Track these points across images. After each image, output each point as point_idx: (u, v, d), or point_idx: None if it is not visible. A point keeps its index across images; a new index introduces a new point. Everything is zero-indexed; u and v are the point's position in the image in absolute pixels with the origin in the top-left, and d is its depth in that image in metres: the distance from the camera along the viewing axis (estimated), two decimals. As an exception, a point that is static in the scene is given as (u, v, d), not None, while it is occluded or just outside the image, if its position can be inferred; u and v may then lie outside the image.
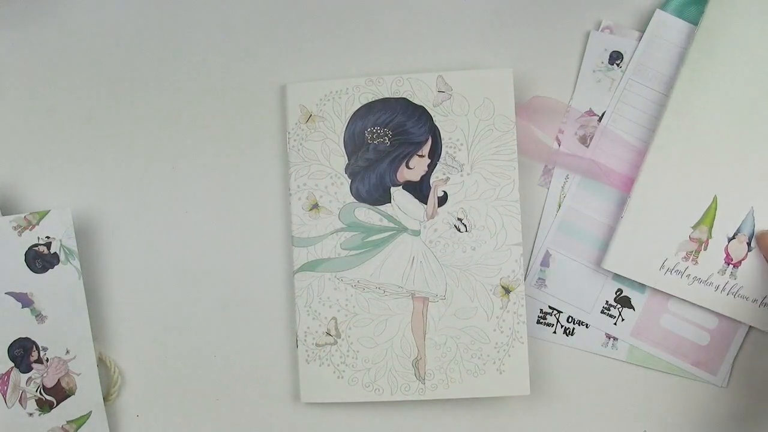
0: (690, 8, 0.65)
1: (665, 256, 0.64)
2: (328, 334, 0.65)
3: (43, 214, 0.62)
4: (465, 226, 0.65)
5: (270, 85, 0.67)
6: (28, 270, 0.62)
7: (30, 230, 0.62)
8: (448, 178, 0.65)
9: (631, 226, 0.64)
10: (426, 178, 0.65)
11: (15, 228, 0.62)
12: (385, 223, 0.65)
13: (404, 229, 0.65)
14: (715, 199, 0.64)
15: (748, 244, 0.64)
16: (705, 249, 0.64)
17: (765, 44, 0.63)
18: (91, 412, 0.63)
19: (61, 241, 0.62)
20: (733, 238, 0.64)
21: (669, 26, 0.65)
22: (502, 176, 0.64)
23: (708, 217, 0.64)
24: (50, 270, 0.62)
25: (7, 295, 0.62)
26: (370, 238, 0.65)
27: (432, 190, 0.65)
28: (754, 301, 0.64)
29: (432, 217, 0.65)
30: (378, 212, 0.65)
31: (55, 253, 0.62)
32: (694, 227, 0.64)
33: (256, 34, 0.67)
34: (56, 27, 0.67)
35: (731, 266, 0.64)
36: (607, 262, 0.64)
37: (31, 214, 0.62)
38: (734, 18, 0.63)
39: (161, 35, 0.67)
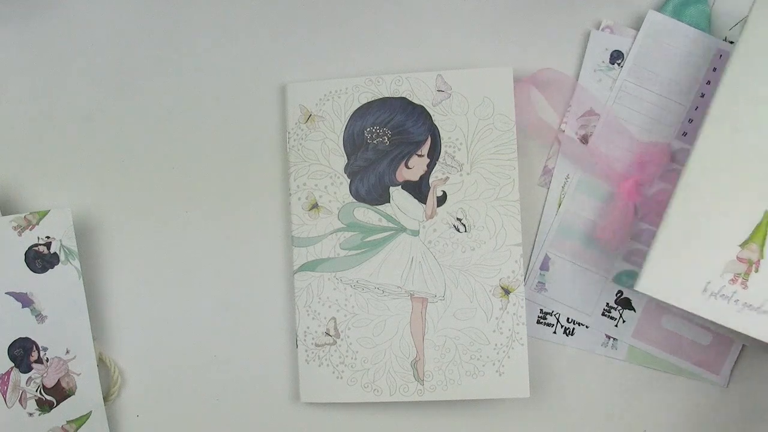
0: (688, 9, 0.65)
1: (708, 278, 0.57)
2: (328, 334, 0.65)
3: (43, 214, 0.62)
4: (464, 226, 0.64)
5: (270, 85, 0.67)
6: (28, 270, 0.62)
7: (30, 230, 0.62)
8: (447, 178, 0.65)
9: (668, 243, 0.57)
10: (425, 177, 0.65)
11: (15, 228, 0.62)
12: (384, 223, 0.65)
13: (403, 229, 0.65)
14: (766, 215, 0.57)
15: None
16: (756, 271, 0.56)
17: None
18: (91, 412, 0.63)
19: (61, 241, 0.62)
20: None
21: (663, 27, 0.65)
22: (502, 176, 0.64)
23: (759, 234, 0.56)
24: (50, 270, 0.62)
25: (7, 295, 0.62)
26: (369, 238, 0.65)
27: (431, 189, 0.65)
28: None
29: (431, 217, 0.65)
30: (377, 212, 0.65)
31: (55, 253, 0.62)
32: (743, 246, 0.57)
33: (256, 34, 0.67)
34: (56, 26, 0.67)
35: None
36: (641, 284, 0.57)
37: (31, 214, 0.62)
38: None
39: (161, 35, 0.67)
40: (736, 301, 0.56)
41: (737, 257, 0.57)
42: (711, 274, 0.57)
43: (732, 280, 0.57)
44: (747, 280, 0.56)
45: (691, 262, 0.57)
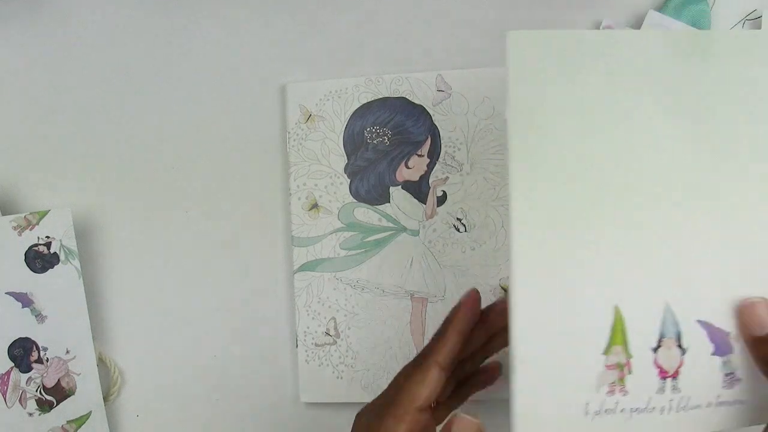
0: (688, 9, 0.65)
1: (586, 399, 0.49)
2: (327, 334, 0.65)
3: (43, 214, 0.62)
4: (464, 226, 0.64)
5: (270, 85, 0.67)
6: (28, 270, 0.62)
7: (30, 230, 0.62)
8: (447, 178, 0.65)
9: (528, 379, 0.48)
10: (425, 177, 0.65)
11: (15, 228, 0.62)
12: (384, 223, 0.65)
13: (403, 229, 0.65)
14: (617, 311, 0.49)
15: (680, 346, 0.50)
16: (630, 372, 0.49)
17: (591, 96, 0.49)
18: (91, 412, 0.63)
19: (61, 241, 0.62)
20: (659, 346, 0.50)
21: (663, 27, 0.65)
22: (502, 176, 0.64)
23: (618, 335, 0.49)
24: (50, 270, 0.62)
25: (7, 295, 0.62)
26: (369, 238, 0.65)
27: (431, 189, 0.65)
28: (708, 405, 0.50)
29: (431, 216, 0.65)
30: (377, 212, 0.65)
31: (55, 253, 0.62)
32: (606, 352, 0.49)
33: (256, 34, 0.67)
34: (56, 26, 0.67)
35: (669, 379, 0.50)
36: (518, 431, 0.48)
37: (31, 214, 0.62)
38: (540, 76, 0.49)
39: (161, 35, 0.67)
40: (623, 410, 0.50)
41: (606, 366, 0.49)
42: (586, 393, 0.49)
43: (609, 391, 0.49)
44: (624, 385, 0.50)
45: (560, 390, 0.49)
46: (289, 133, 0.66)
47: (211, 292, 0.66)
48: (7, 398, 0.62)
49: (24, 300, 0.62)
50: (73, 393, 0.63)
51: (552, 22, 0.66)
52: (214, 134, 0.67)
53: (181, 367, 0.66)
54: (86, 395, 0.63)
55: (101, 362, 0.65)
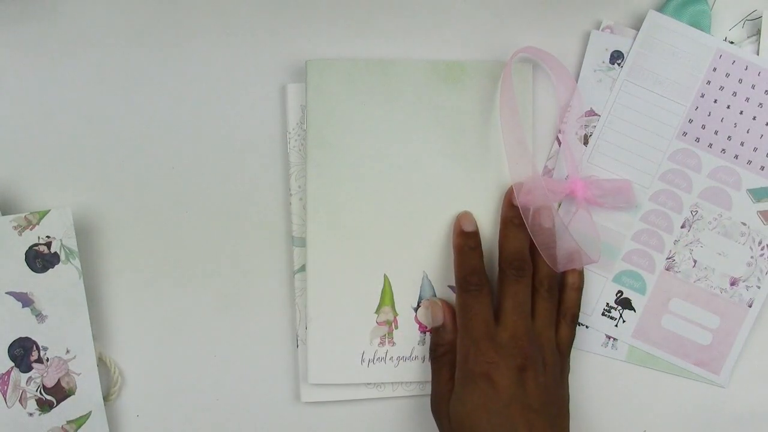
0: (688, 9, 0.65)
1: (362, 349, 0.64)
2: (328, 334, 0.65)
3: (43, 214, 0.62)
4: (464, 226, 0.65)
5: (270, 85, 0.67)
6: (28, 270, 0.62)
7: (30, 230, 0.62)
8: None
9: (318, 333, 0.64)
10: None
11: (15, 228, 0.62)
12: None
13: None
14: (386, 278, 0.63)
15: None
16: (397, 327, 0.64)
17: (369, 118, 0.64)
18: (91, 412, 0.63)
19: (61, 240, 0.62)
20: (419, 306, 0.64)
21: (664, 27, 0.65)
22: (502, 176, 0.66)
23: (387, 297, 0.64)
24: (50, 270, 0.62)
25: (7, 295, 0.62)
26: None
27: None
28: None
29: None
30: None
31: (56, 252, 0.62)
32: (378, 311, 0.64)
33: (256, 34, 0.67)
34: (56, 26, 0.67)
35: (427, 333, 0.64)
36: (311, 377, 0.64)
37: (31, 213, 0.62)
38: (332, 97, 0.64)
39: (161, 35, 0.67)
40: (392, 358, 0.64)
41: (377, 323, 0.64)
42: (363, 345, 0.64)
43: (380, 343, 0.64)
44: (393, 338, 0.64)
45: (342, 342, 0.64)
46: (289, 133, 0.66)
47: (210, 292, 0.66)
48: (7, 398, 0.61)
49: (24, 300, 0.62)
50: (73, 393, 0.63)
51: (552, 22, 0.66)
52: (214, 134, 0.67)
53: (181, 367, 0.66)
54: (86, 395, 0.63)
55: (101, 362, 0.65)
